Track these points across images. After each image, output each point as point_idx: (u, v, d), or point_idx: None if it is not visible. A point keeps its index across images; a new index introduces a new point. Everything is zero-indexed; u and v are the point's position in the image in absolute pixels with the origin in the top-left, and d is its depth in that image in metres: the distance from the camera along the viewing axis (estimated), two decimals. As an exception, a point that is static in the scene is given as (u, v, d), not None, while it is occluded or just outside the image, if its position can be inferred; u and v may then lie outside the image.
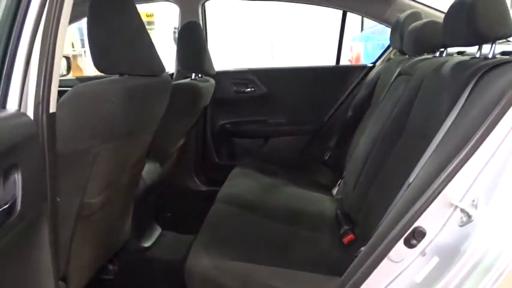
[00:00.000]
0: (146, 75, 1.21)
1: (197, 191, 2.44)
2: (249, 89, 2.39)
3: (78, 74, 8.02)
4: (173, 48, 2.35)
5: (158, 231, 1.86)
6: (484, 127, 0.81)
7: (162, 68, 1.29)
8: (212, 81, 2.13)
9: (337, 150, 2.25)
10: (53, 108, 0.94)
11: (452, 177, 0.82)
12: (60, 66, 0.97)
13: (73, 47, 7.49)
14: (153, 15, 8.20)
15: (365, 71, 2.32)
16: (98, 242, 1.27)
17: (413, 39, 1.55)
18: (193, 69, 1.95)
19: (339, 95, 2.36)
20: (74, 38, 7.31)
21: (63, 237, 1.10)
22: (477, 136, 0.81)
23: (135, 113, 1.18)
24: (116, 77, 1.15)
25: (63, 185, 1.05)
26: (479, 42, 1.11)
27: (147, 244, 1.73)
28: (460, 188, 0.83)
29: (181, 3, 2.24)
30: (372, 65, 2.36)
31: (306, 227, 1.50)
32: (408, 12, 1.83)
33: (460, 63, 1.18)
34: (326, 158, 2.28)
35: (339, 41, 2.35)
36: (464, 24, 1.06)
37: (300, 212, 1.59)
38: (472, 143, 0.82)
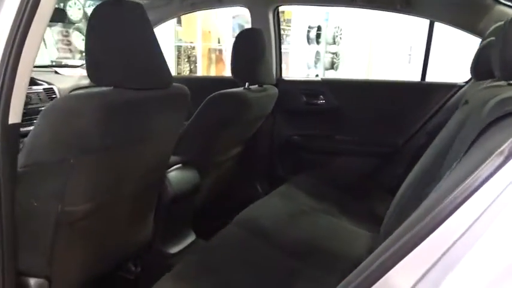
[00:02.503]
0: (143, 89, 1.19)
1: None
2: (320, 101, 2.22)
3: (221, 69, 8.65)
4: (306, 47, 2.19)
5: (190, 238, 1.84)
6: (451, 198, 0.59)
7: (165, 81, 1.25)
8: (272, 91, 2.04)
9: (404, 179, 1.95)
10: (14, 119, 0.97)
11: (399, 260, 0.62)
12: (28, 76, 0.99)
13: (219, 42, 8.03)
14: (290, 13, 8.29)
15: (453, 90, 1.96)
16: (92, 247, 1.30)
17: (474, 61, 1.25)
18: (246, 78, 1.87)
19: (421, 116, 2.04)
20: (221, 32, 7.83)
21: (43, 241, 1.14)
22: (439, 208, 0.59)
23: (122, 127, 1.16)
24: (110, 88, 1.15)
25: (40, 192, 1.09)
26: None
27: (173, 251, 1.73)
28: (404, 277, 0.62)
29: (252, 8, 2.17)
30: (464, 83, 1.98)
31: (317, 266, 1.32)
32: (497, 24, 1.48)
33: (506, 99, 0.90)
34: (393, 186, 2.00)
35: (425, 53, 2.02)
36: (498, 54, 0.80)
37: (320, 248, 1.40)
38: (428, 219, 0.60)
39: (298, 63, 8.45)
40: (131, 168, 1.29)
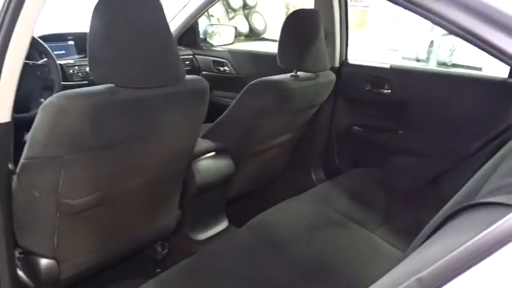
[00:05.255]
0: (147, 88, 1.14)
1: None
2: (385, 91, 1.98)
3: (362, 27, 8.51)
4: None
5: (222, 226, 1.82)
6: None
7: (175, 77, 1.19)
8: (325, 79, 1.86)
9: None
10: (5, 118, 1.00)
11: None
12: (17, 72, 1.00)
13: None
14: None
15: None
16: (101, 234, 1.34)
17: None
18: (294, 65, 1.72)
19: (501, 122, 1.70)
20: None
21: (47, 227, 1.20)
22: None
23: (120, 127, 1.13)
24: (111, 86, 1.12)
25: (39, 183, 1.14)
26: None
27: (200, 237, 1.73)
28: None
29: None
30: None
31: None
32: None
33: None
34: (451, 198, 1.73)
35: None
36: None
37: (334, 270, 1.28)
38: None
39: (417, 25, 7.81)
40: (138, 163, 1.28)
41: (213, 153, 1.69)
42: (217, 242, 1.34)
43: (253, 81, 1.67)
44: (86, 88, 1.10)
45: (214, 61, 2.60)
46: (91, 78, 1.18)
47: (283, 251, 1.31)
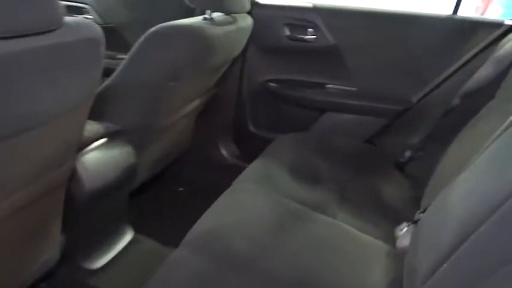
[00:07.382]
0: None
1: (222, 165, 1.84)
2: (309, 36, 1.61)
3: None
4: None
5: (126, 239, 1.29)
6: None
7: (42, 20, 0.63)
8: (244, 22, 1.42)
9: (422, 152, 1.46)
10: None
11: None
12: None
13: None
14: None
15: (499, 32, 1.41)
16: None
17: None
18: (207, 4, 1.22)
19: (446, 66, 1.49)
20: None
21: None
22: None
23: None
24: None
25: None
26: None
27: (97, 264, 1.19)
28: None
29: None
30: (515, 22, 1.42)
31: None
32: None
33: None
34: (403, 160, 1.50)
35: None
36: None
37: (327, 282, 0.89)
38: None
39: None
40: None
41: (104, 139, 1.13)
42: (153, 280, 0.84)
43: (153, 29, 1.13)
44: None
45: (70, 7, 1.91)
46: None
47: (251, 270, 0.88)
